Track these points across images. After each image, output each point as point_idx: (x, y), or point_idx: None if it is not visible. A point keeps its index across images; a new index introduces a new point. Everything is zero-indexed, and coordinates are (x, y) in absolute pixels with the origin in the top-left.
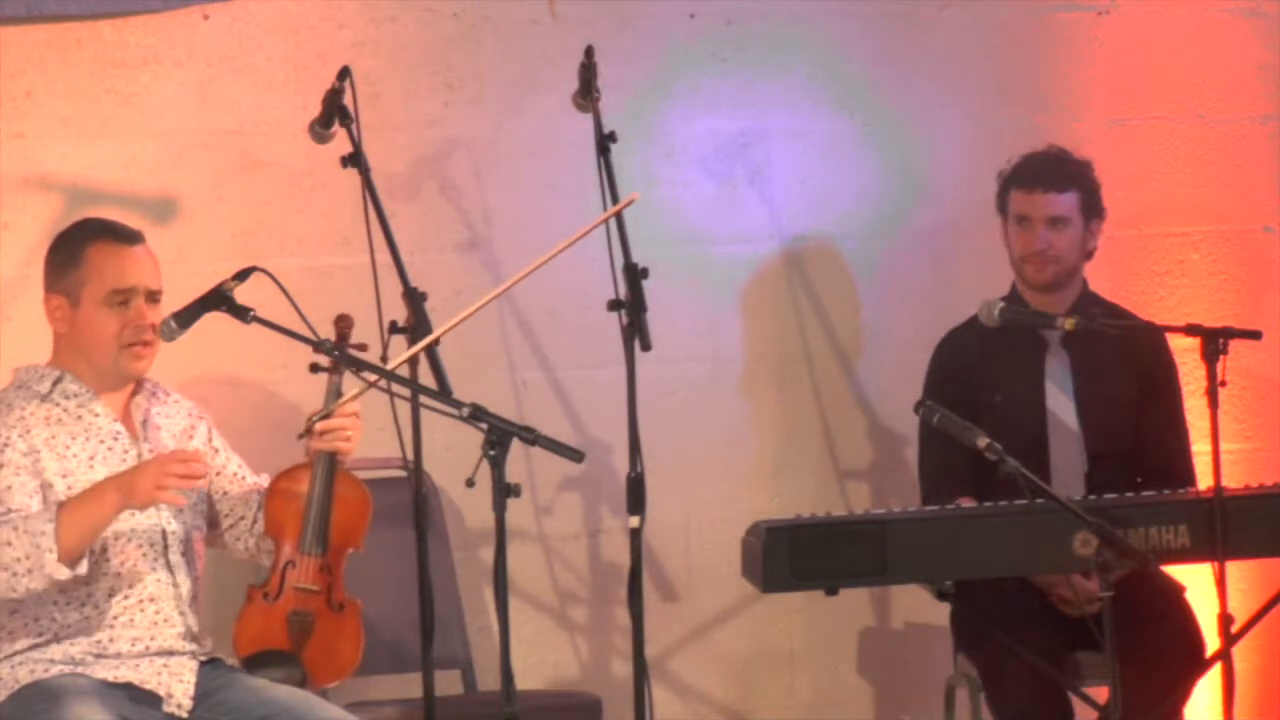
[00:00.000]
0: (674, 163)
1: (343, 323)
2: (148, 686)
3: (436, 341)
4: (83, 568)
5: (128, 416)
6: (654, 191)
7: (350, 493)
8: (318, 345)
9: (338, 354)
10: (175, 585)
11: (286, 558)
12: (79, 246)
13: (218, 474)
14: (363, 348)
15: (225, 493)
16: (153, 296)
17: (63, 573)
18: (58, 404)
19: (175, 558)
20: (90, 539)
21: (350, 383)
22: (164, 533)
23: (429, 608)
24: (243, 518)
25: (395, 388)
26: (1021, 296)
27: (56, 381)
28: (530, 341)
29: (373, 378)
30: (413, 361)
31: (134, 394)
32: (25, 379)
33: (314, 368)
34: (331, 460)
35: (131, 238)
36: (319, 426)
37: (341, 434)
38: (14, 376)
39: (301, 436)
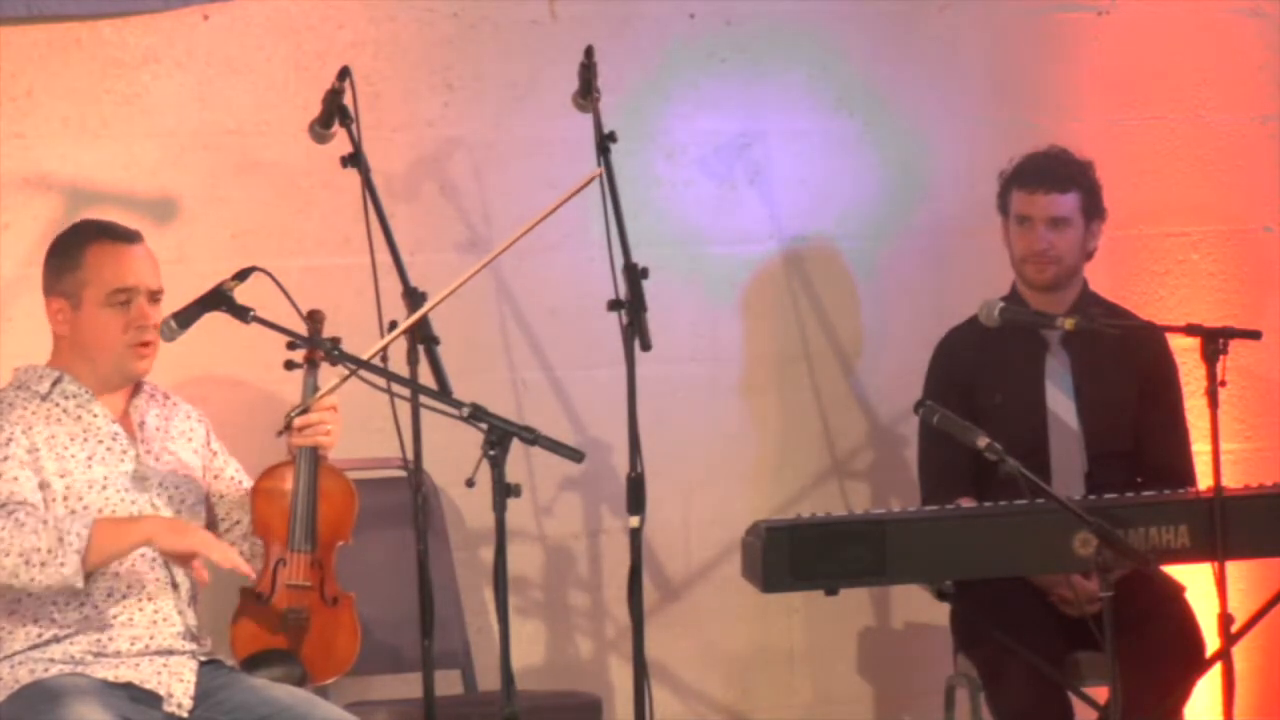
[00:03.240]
0: (674, 163)
1: (314, 317)
2: (148, 686)
3: (426, 337)
4: (83, 583)
5: (126, 418)
6: (654, 191)
7: (335, 486)
8: (318, 345)
9: (338, 354)
10: (174, 585)
11: (276, 556)
12: (78, 248)
13: (215, 477)
14: (336, 341)
15: (222, 496)
16: (154, 296)
17: (78, 579)
18: (57, 404)
19: None
20: (110, 559)
21: (326, 377)
22: None
23: (429, 608)
24: (238, 522)
25: (395, 387)
26: (1021, 296)
27: (56, 382)
28: (530, 341)
29: (349, 369)
30: (413, 361)
31: (133, 396)
32: (25, 379)
33: (289, 365)
34: (313, 455)
35: (130, 237)
36: (298, 422)
37: (321, 428)
38: (14, 377)
39: (281, 434)
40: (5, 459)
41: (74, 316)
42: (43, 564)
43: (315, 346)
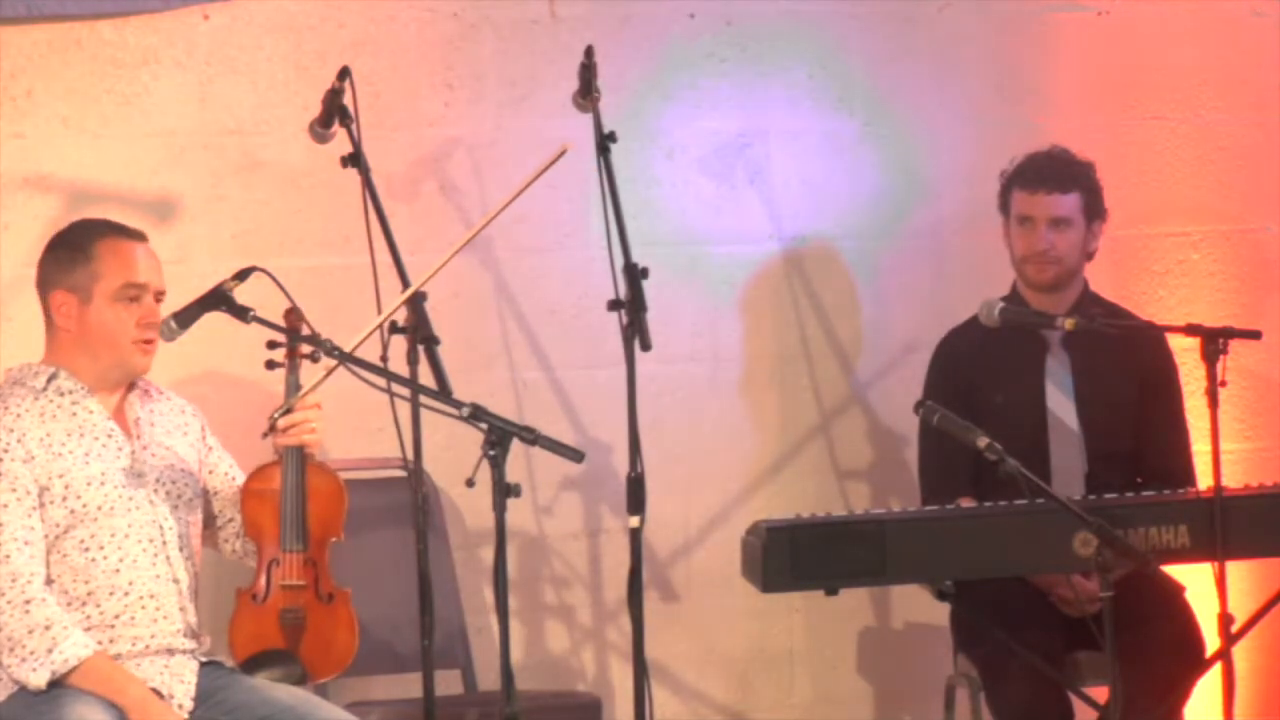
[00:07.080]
0: (674, 163)
1: (291, 316)
2: (150, 686)
3: (426, 337)
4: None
5: (121, 415)
6: (654, 191)
7: (323, 484)
8: (319, 344)
9: (338, 354)
10: (175, 580)
11: (270, 557)
12: (87, 242)
13: (210, 472)
14: (317, 336)
15: (216, 492)
16: (159, 296)
17: (40, 686)
18: (51, 400)
19: (174, 552)
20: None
21: (308, 376)
22: (161, 527)
23: (429, 608)
24: (231, 519)
25: (395, 387)
26: (1022, 296)
27: (50, 378)
28: (530, 341)
29: (348, 368)
30: (413, 361)
31: (127, 393)
32: (19, 376)
33: (269, 364)
34: (300, 455)
35: (139, 235)
36: (282, 422)
37: (305, 427)
38: (6, 376)
39: (266, 435)
40: (5, 506)
41: (82, 311)
42: (21, 660)
43: (312, 344)
